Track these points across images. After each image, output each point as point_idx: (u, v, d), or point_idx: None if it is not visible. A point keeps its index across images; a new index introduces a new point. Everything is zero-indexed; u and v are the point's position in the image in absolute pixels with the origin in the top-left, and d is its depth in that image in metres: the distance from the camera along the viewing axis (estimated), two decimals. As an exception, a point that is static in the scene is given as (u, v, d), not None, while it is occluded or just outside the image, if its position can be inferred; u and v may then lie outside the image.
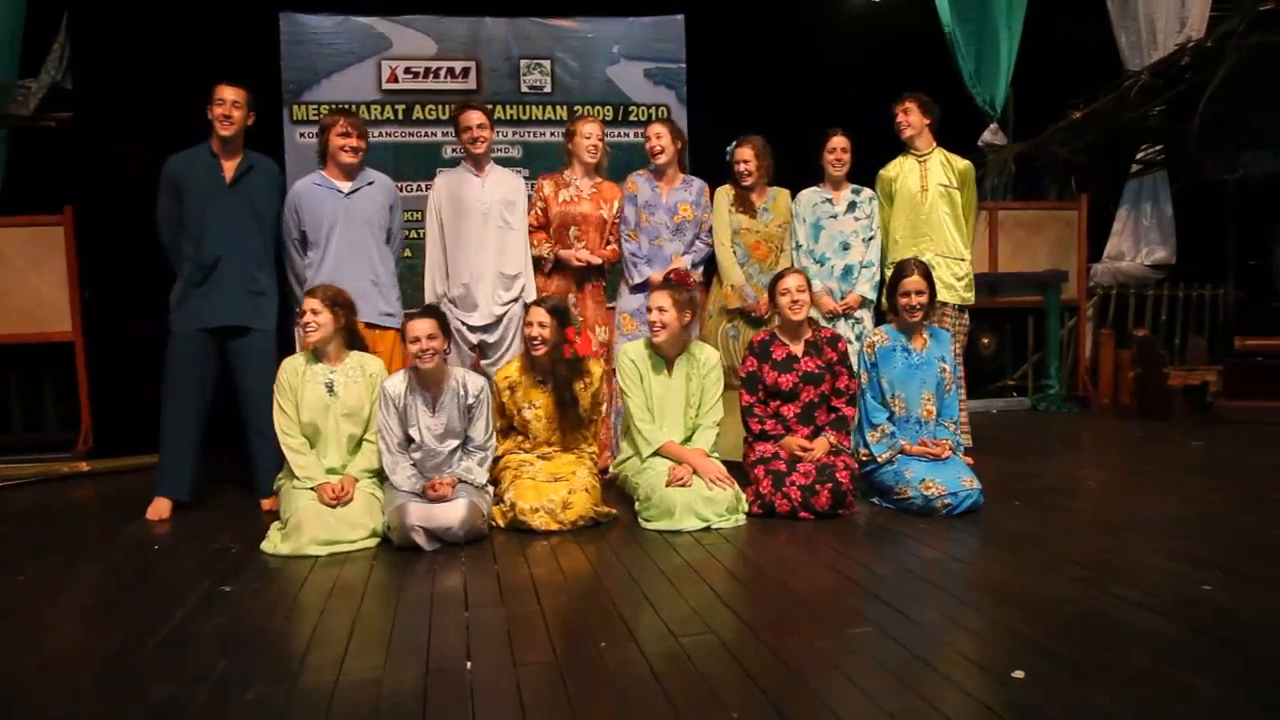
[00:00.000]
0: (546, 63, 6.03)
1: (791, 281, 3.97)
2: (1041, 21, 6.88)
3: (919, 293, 3.93)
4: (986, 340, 7.13)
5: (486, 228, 4.47)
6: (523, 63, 6.00)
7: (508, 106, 5.96)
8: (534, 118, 5.99)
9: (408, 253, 5.36)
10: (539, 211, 4.61)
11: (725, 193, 4.72)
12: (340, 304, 3.82)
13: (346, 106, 5.37)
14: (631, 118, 6.02)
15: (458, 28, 5.95)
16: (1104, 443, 5.72)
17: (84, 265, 5.60)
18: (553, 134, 5.78)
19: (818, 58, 6.50)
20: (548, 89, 6.03)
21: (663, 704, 2.08)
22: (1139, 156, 7.27)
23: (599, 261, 4.61)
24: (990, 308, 7.04)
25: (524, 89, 6.01)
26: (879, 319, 4.68)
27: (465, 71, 5.96)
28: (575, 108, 5.97)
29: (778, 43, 6.57)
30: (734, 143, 4.69)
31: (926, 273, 3.99)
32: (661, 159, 4.63)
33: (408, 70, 5.90)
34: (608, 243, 4.66)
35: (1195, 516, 3.68)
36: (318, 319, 3.74)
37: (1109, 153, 7.15)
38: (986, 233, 6.94)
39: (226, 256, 4.13)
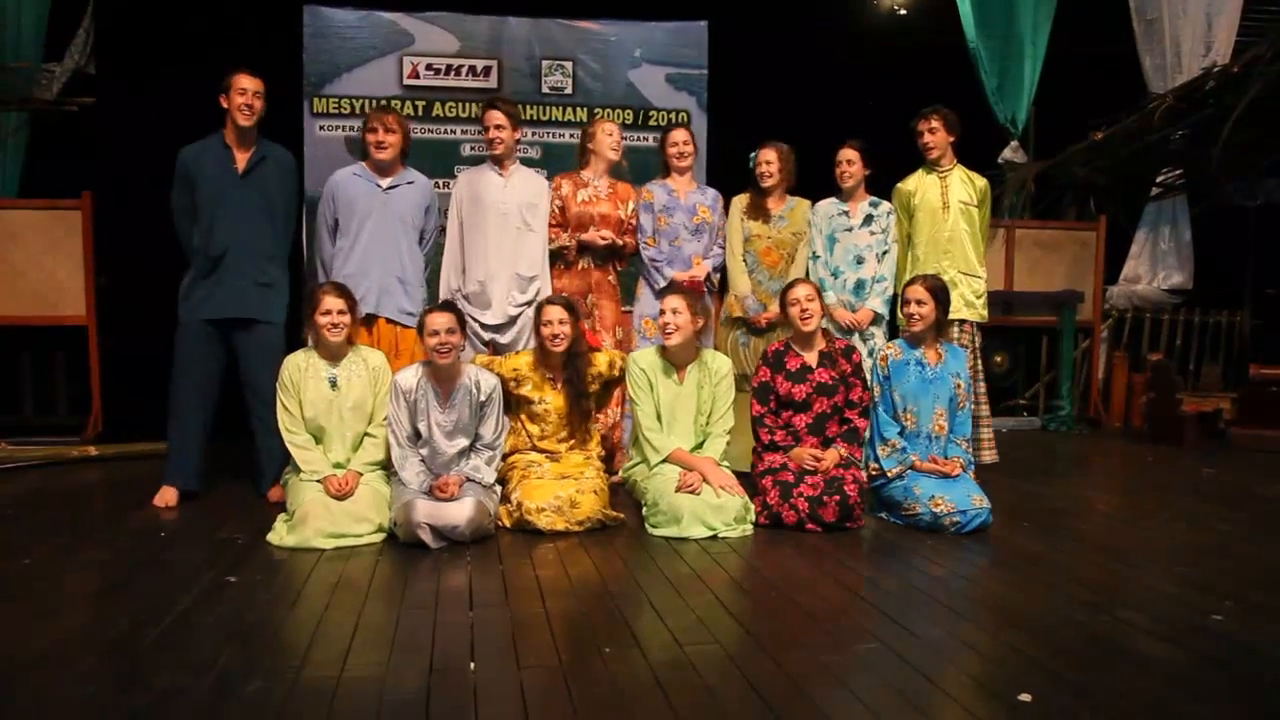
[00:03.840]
0: (568, 64, 6.03)
1: (800, 291, 3.96)
2: (1066, 41, 6.86)
3: (919, 302, 3.92)
4: (999, 358, 7.10)
5: (505, 228, 4.46)
6: (544, 63, 6.01)
7: (528, 107, 5.97)
8: (554, 119, 6.00)
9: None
10: (556, 210, 4.60)
11: (739, 201, 4.74)
12: (354, 300, 3.83)
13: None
14: (651, 122, 6.02)
15: (480, 26, 5.97)
16: (1114, 466, 5.69)
17: (100, 250, 5.62)
18: (572, 135, 5.78)
19: (840, 68, 6.49)
20: (569, 90, 6.04)
21: (666, 712, 2.06)
22: (1159, 180, 7.24)
23: (620, 243, 4.61)
24: (1004, 326, 7.01)
25: (545, 89, 6.02)
26: (894, 334, 4.67)
27: (486, 70, 5.97)
28: (595, 110, 5.97)
29: (800, 52, 6.56)
30: (759, 147, 4.69)
31: (935, 288, 3.95)
32: (685, 162, 4.68)
33: (429, 67, 5.92)
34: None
35: (1204, 544, 3.65)
36: (344, 319, 3.75)
37: (1129, 175, 7.12)
38: (1003, 251, 6.92)
39: (235, 247, 4.10)
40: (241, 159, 4.15)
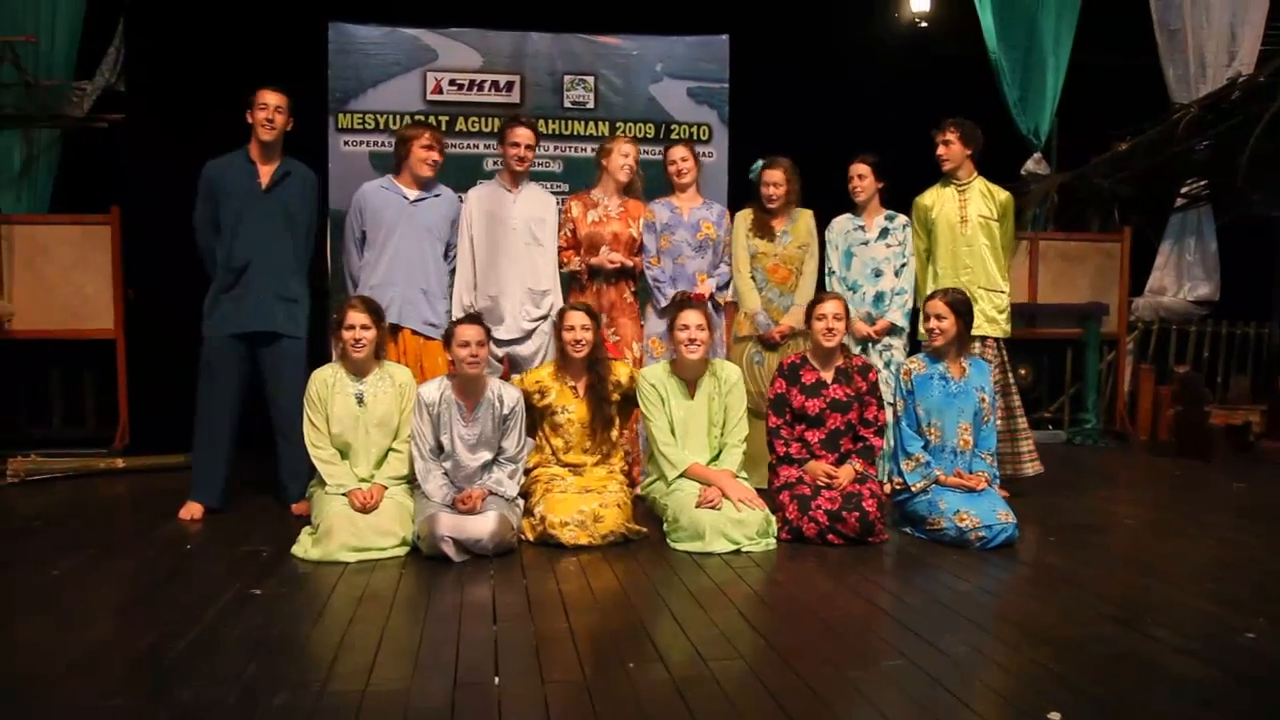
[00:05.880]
0: (590, 79, 6.06)
1: (829, 307, 3.94)
2: (1088, 52, 6.82)
3: (939, 317, 3.90)
4: (1023, 371, 7.04)
5: (516, 243, 4.50)
6: (566, 78, 6.05)
7: (550, 121, 6.01)
8: (576, 133, 6.03)
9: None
10: (568, 233, 4.62)
11: (744, 218, 4.71)
12: (380, 315, 3.85)
13: (392, 115, 5.47)
14: (674, 136, 6.01)
15: (503, 41, 6.01)
16: (1142, 480, 5.63)
17: (129, 264, 5.69)
18: (594, 150, 5.77)
19: (862, 81, 6.49)
20: (590, 105, 6.07)
21: (690, 729, 2.06)
22: (1184, 190, 7.18)
23: (631, 265, 4.60)
24: (1028, 339, 6.96)
25: (567, 104, 6.05)
26: (915, 348, 4.65)
27: (509, 85, 6.01)
28: (617, 124, 6.00)
29: (822, 65, 6.56)
30: (761, 162, 4.66)
31: (956, 302, 3.93)
32: (686, 179, 4.68)
33: (452, 82, 5.96)
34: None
35: (1235, 559, 3.60)
36: (368, 334, 3.76)
37: (1153, 186, 7.06)
38: (1027, 263, 6.87)
39: (257, 261, 4.14)
40: (265, 174, 4.19)
